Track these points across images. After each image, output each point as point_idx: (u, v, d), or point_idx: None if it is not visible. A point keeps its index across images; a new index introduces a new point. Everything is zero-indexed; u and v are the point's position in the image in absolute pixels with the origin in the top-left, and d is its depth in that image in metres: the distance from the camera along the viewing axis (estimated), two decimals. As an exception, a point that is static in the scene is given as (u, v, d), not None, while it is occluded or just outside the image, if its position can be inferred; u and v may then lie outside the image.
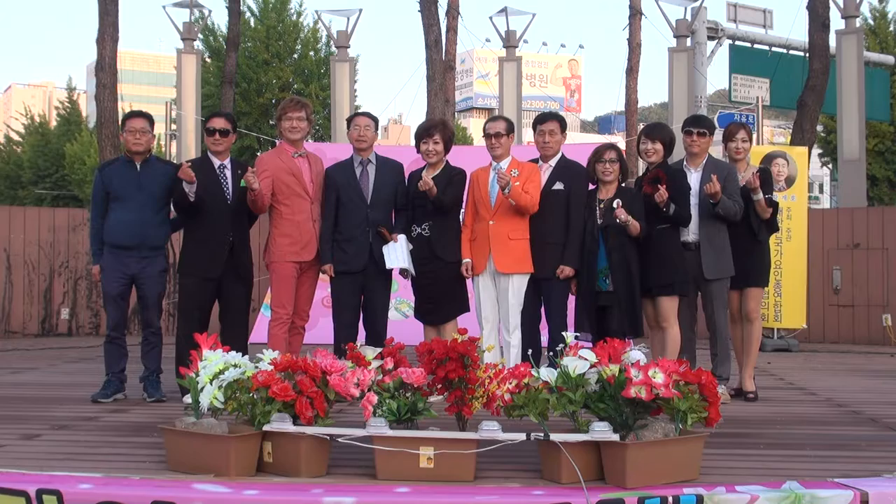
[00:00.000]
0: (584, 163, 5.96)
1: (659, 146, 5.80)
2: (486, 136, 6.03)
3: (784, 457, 4.25)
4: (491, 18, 17.53)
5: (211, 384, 3.85)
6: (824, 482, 3.53)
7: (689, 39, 17.45)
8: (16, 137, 37.29)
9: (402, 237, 5.92)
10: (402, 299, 9.63)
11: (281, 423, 3.71)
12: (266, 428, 3.74)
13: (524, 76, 17.97)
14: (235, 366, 3.91)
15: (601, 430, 3.56)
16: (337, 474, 3.76)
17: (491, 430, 3.62)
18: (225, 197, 5.89)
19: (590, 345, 3.93)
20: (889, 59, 22.79)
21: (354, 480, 3.65)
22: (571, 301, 5.94)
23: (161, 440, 4.01)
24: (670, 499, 3.34)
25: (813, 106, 12.76)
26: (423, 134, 6.03)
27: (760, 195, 5.90)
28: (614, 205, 5.59)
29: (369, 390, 3.84)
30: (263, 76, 25.75)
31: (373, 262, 5.87)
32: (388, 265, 5.86)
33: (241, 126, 18.98)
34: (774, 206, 6.08)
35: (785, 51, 19.92)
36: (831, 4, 13.29)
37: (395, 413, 3.79)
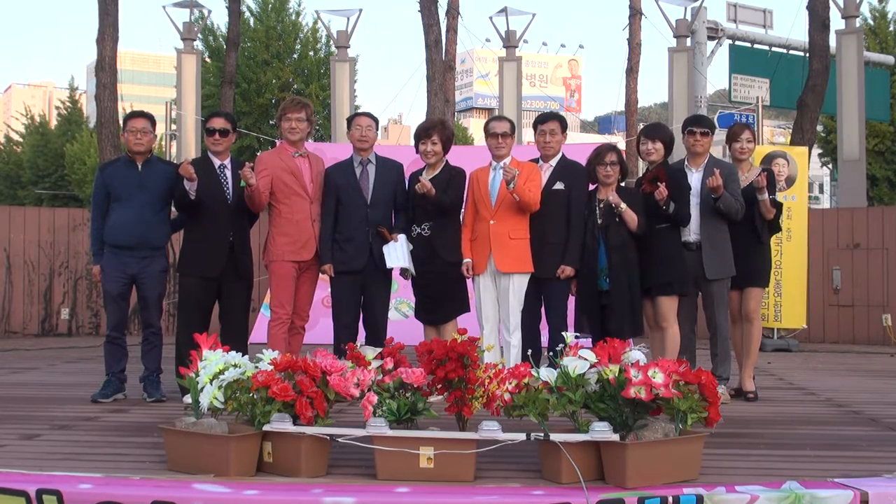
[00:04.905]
0: (584, 163, 5.96)
1: (659, 146, 5.79)
2: (492, 135, 6.02)
3: (784, 457, 4.25)
4: (491, 18, 17.53)
5: (211, 384, 3.85)
6: (824, 482, 3.53)
7: (689, 39, 17.44)
8: (16, 137, 37.31)
9: (402, 237, 5.92)
10: (402, 299, 9.63)
11: (281, 423, 3.71)
12: (266, 428, 3.74)
13: (524, 76, 17.96)
14: (235, 366, 3.91)
15: (601, 430, 3.56)
16: (337, 474, 3.76)
17: (491, 430, 3.62)
18: (225, 197, 5.89)
19: (590, 344, 3.93)
20: (889, 59, 22.79)
21: (354, 480, 3.65)
22: (571, 301, 5.94)
23: (161, 440, 4.01)
24: (670, 499, 3.34)
25: (813, 106, 12.76)
26: (421, 134, 6.03)
27: (766, 195, 5.91)
28: (609, 198, 5.61)
29: (369, 390, 3.84)
30: (263, 76, 25.74)
31: (373, 261, 5.87)
32: (388, 265, 5.86)
33: (241, 126, 18.97)
34: (778, 207, 6.10)
35: (785, 51, 19.93)
36: (831, 4, 13.29)
37: (395, 413, 3.79)
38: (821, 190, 43.86)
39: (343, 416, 4.66)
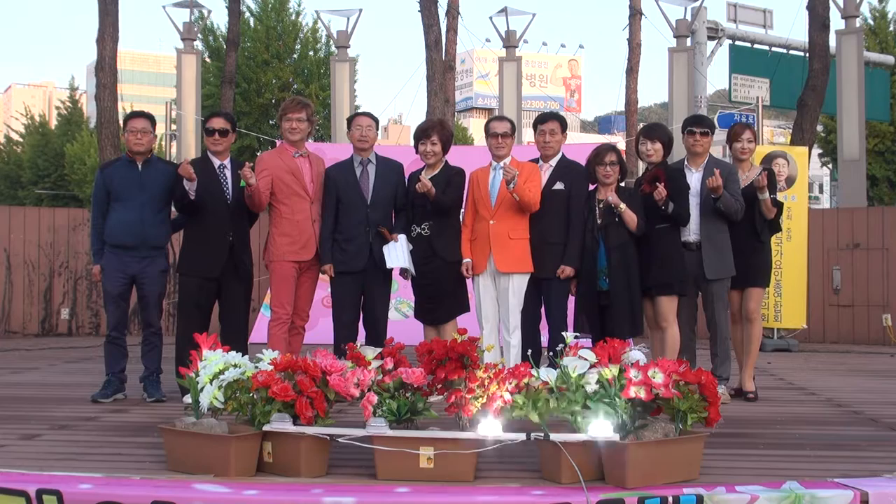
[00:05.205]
0: (583, 163, 5.95)
1: (658, 146, 5.79)
2: (493, 135, 6.02)
3: (784, 457, 4.25)
4: (491, 18, 17.51)
5: (211, 384, 3.85)
6: (824, 482, 3.53)
7: (689, 39, 17.43)
8: (16, 137, 37.32)
9: (402, 237, 5.92)
10: (402, 299, 9.64)
11: (281, 423, 3.71)
12: (266, 428, 3.74)
13: (524, 76, 17.94)
14: (235, 366, 3.91)
15: (601, 430, 3.56)
16: (337, 474, 3.76)
17: (491, 430, 3.62)
18: (225, 197, 5.89)
19: (590, 344, 3.93)
20: (889, 59, 22.79)
21: (354, 480, 3.65)
22: (571, 301, 5.94)
23: (161, 440, 4.01)
24: (670, 499, 3.34)
25: (813, 106, 12.76)
26: (420, 135, 6.04)
27: (766, 194, 5.92)
28: (609, 198, 5.62)
29: (369, 390, 3.84)
30: (263, 76, 25.74)
31: (373, 262, 5.87)
32: (389, 265, 5.86)
33: (241, 126, 18.97)
34: (779, 206, 6.10)
35: (785, 51, 19.93)
36: (831, 4, 13.28)
37: (395, 413, 3.79)
38: (821, 190, 43.85)
39: (343, 416, 4.66)
